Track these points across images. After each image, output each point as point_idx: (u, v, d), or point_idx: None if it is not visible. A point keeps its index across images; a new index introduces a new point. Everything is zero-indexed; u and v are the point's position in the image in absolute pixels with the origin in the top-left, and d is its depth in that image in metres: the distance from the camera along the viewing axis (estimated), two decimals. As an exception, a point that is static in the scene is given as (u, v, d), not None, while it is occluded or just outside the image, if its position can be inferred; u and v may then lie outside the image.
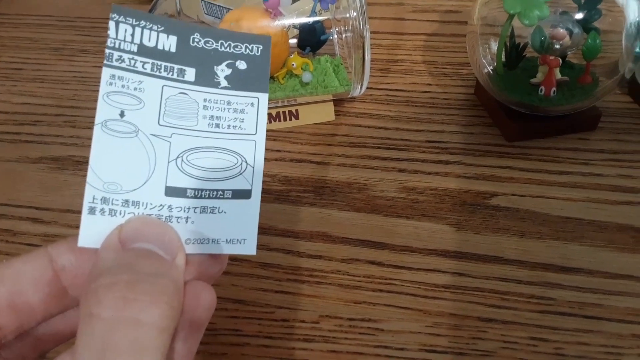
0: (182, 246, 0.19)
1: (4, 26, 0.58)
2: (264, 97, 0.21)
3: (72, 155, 0.42)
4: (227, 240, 0.20)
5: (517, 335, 0.30)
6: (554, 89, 0.39)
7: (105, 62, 0.19)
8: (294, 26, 0.43)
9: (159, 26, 0.20)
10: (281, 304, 0.32)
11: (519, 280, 0.32)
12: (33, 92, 0.49)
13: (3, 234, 0.37)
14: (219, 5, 0.49)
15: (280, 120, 0.44)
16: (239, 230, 0.20)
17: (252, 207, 0.21)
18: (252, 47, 0.21)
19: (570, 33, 0.38)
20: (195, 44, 0.21)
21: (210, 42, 0.21)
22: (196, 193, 0.20)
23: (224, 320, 0.31)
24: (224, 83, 0.21)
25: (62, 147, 0.43)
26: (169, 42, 0.20)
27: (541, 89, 0.39)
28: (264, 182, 0.39)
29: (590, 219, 0.35)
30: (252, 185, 0.21)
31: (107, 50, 0.19)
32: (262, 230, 0.36)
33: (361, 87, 0.43)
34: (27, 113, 0.47)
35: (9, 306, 0.18)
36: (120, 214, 0.19)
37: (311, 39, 0.43)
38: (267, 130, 0.43)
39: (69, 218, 0.37)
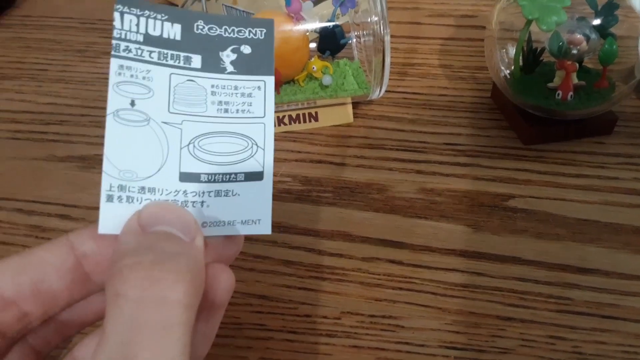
0: (200, 228, 0.19)
1: (28, 28, 0.59)
2: (270, 80, 0.22)
3: (98, 155, 0.43)
4: (242, 221, 0.21)
5: (536, 334, 0.30)
6: (571, 93, 0.39)
7: (112, 52, 0.20)
8: (315, 30, 0.44)
9: (163, 15, 0.21)
10: (304, 300, 0.33)
11: (536, 280, 0.33)
12: (58, 93, 0.50)
13: (33, 230, 0.38)
14: (239, 10, 0.50)
15: (300, 122, 0.45)
16: (253, 211, 0.21)
17: (265, 188, 0.21)
18: (256, 31, 0.22)
19: (587, 38, 0.39)
20: (199, 31, 0.21)
21: (214, 29, 0.21)
22: (210, 177, 0.21)
23: (248, 315, 0.32)
24: (230, 68, 0.21)
25: (88, 146, 0.44)
26: (173, 31, 0.21)
27: (558, 93, 0.40)
28: (284, 182, 0.40)
29: (606, 221, 0.36)
30: (263, 167, 0.21)
31: (114, 41, 0.20)
32: (284, 228, 0.37)
33: (380, 90, 0.44)
34: (53, 113, 0.48)
35: (33, 294, 0.19)
36: (137, 200, 0.19)
37: (331, 43, 0.44)
38: (287, 132, 0.45)
39: (97, 215, 0.38)
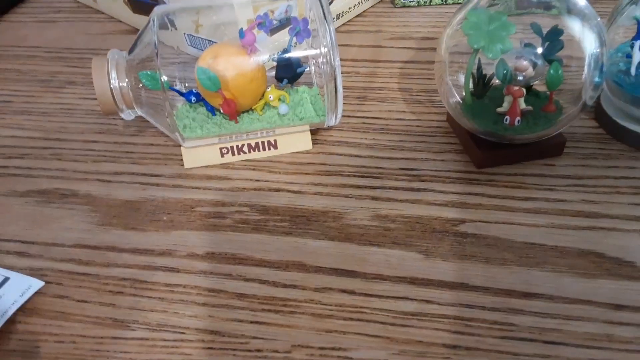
0: None
1: (-7, 58, 0.60)
2: None
3: (58, 188, 0.44)
4: None
5: (480, 361, 0.31)
6: (518, 118, 0.40)
7: None
8: (272, 59, 0.44)
9: None
10: (255, 334, 0.33)
11: (483, 306, 0.34)
12: (21, 125, 0.50)
13: (-10, 269, 0.38)
14: (201, 38, 0.51)
15: (259, 150, 0.46)
16: None
17: None
18: None
19: (534, 64, 0.40)
20: None
21: None
22: None
23: (200, 352, 0.32)
24: None
25: (48, 179, 0.45)
26: None
27: (506, 119, 0.41)
28: (242, 212, 0.41)
29: (552, 244, 0.37)
30: None
31: None
32: (240, 260, 0.37)
33: (335, 117, 0.44)
34: (15, 146, 0.48)
35: None
36: None
37: (288, 72, 0.45)
38: (247, 160, 0.45)
39: (54, 252, 0.39)
